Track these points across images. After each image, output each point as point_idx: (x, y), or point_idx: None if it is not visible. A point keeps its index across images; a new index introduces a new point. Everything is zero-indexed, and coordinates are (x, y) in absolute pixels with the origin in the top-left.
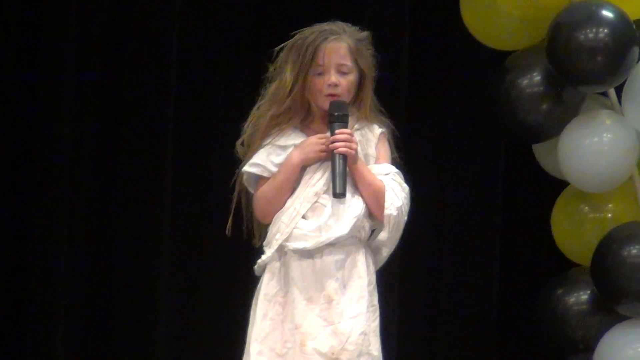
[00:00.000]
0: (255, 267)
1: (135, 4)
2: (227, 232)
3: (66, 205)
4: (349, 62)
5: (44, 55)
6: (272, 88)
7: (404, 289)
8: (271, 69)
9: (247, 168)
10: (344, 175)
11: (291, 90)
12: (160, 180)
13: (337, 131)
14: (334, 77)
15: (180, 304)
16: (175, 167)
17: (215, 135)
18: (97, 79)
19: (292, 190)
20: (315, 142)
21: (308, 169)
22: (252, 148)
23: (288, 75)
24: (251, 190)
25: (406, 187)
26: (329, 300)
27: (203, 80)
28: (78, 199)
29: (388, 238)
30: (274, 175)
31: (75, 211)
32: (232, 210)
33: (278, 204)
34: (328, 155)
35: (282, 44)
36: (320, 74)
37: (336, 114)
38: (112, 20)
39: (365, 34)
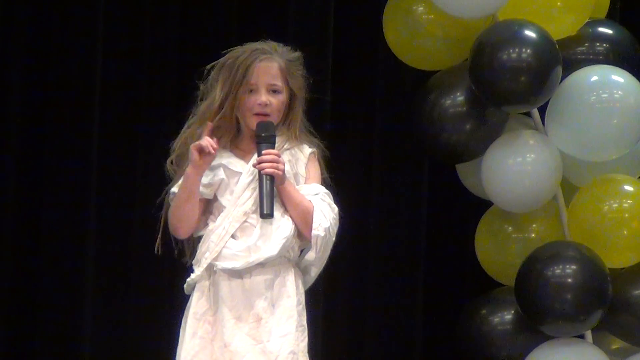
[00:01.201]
0: (185, 285)
1: (59, 29)
2: (156, 250)
3: None
4: (279, 82)
5: None
6: (202, 107)
7: (328, 308)
8: (202, 87)
9: (174, 189)
10: (272, 196)
11: (220, 108)
12: (85, 197)
13: (263, 152)
14: (264, 97)
15: (106, 321)
16: (99, 183)
17: (143, 151)
18: (19, 102)
19: (196, 201)
20: (192, 147)
21: (236, 188)
22: (182, 168)
23: (218, 94)
24: None
25: (335, 208)
26: (258, 319)
27: (127, 97)
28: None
29: (316, 258)
30: (177, 192)
31: None
32: (161, 228)
33: (185, 216)
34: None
35: (213, 63)
36: (251, 92)
37: (263, 134)
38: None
39: (296, 54)
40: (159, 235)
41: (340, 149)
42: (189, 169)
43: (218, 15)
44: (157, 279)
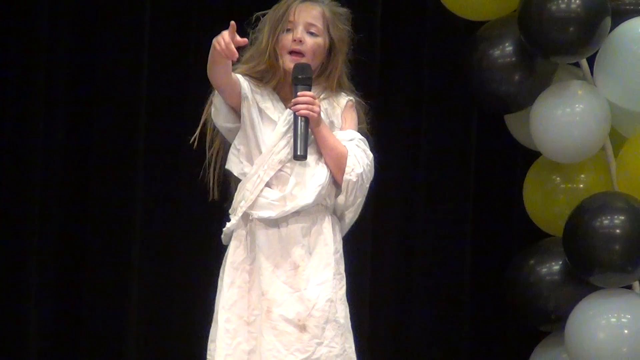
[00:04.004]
0: (222, 235)
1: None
2: (191, 141)
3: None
4: (319, 25)
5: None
6: (249, 52)
7: (376, 256)
8: (251, 34)
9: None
10: (306, 138)
11: (265, 50)
12: (133, 147)
13: (299, 93)
14: (299, 33)
15: (151, 272)
16: (147, 134)
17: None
18: (68, 77)
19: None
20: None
21: (272, 136)
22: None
23: (265, 36)
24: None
25: (370, 155)
26: (295, 267)
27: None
28: (49, 183)
29: (346, 203)
30: None
31: (46, 193)
32: (201, 123)
33: (218, 74)
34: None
35: (263, 12)
36: (288, 30)
37: (300, 76)
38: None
39: (344, 10)
40: (198, 130)
41: (391, 100)
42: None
43: None
44: (200, 227)
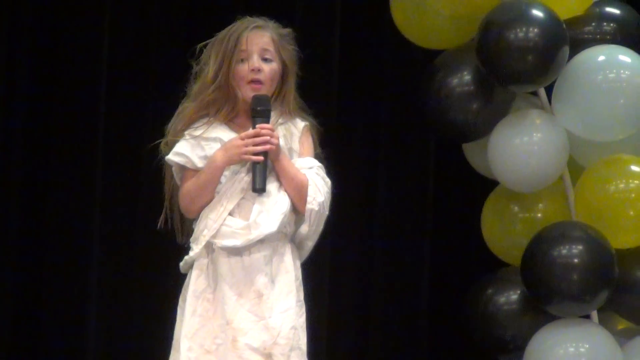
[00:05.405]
0: (182, 263)
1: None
2: (158, 225)
3: None
4: (272, 49)
5: None
6: (196, 85)
7: (333, 285)
8: (195, 66)
9: (171, 156)
10: (265, 170)
11: (214, 81)
12: (90, 177)
13: (257, 126)
14: (257, 62)
15: (108, 300)
16: (104, 164)
17: (144, 128)
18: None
19: (215, 188)
20: (238, 144)
21: (232, 165)
22: (176, 137)
23: (211, 67)
24: (177, 181)
25: (329, 181)
26: (259, 296)
27: (132, 87)
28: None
29: (309, 232)
30: (198, 173)
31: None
32: (167, 204)
33: (202, 201)
34: (255, 159)
35: (205, 41)
36: (243, 61)
37: (258, 108)
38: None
39: (287, 30)
40: (164, 211)
41: (349, 129)
42: (220, 160)
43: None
44: (156, 259)
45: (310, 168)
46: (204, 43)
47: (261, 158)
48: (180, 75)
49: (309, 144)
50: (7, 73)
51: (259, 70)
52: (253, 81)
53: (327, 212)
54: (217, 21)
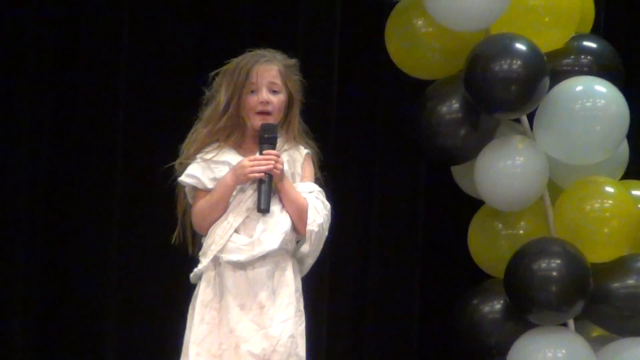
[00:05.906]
0: (191, 275)
1: (81, 38)
2: (173, 240)
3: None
4: (279, 82)
5: None
6: (208, 110)
7: (332, 298)
8: (207, 93)
9: (184, 178)
10: (269, 192)
11: (226, 110)
12: (109, 191)
13: (264, 152)
14: (265, 95)
15: (125, 311)
16: (123, 181)
17: (159, 151)
18: (48, 115)
19: (227, 206)
20: (247, 165)
21: (241, 186)
22: (188, 159)
23: (223, 96)
24: (189, 200)
25: (328, 205)
26: (261, 307)
27: (147, 102)
28: (32, 220)
29: (310, 251)
30: (210, 193)
31: (29, 233)
32: (180, 220)
33: (213, 218)
34: (258, 177)
35: (217, 70)
36: (253, 92)
37: (266, 135)
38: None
39: (293, 60)
40: (178, 227)
41: (345, 150)
42: (230, 180)
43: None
44: (167, 270)
45: (311, 192)
46: (215, 71)
47: (263, 174)
48: (194, 101)
49: (310, 169)
50: (31, 104)
51: (267, 102)
52: (262, 112)
53: (326, 233)
54: (227, 48)
